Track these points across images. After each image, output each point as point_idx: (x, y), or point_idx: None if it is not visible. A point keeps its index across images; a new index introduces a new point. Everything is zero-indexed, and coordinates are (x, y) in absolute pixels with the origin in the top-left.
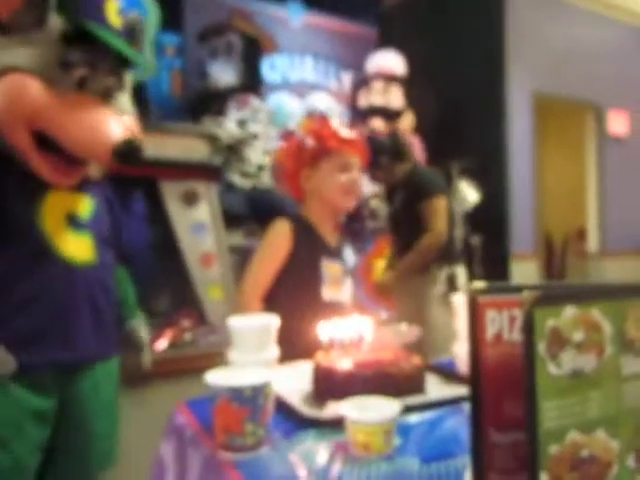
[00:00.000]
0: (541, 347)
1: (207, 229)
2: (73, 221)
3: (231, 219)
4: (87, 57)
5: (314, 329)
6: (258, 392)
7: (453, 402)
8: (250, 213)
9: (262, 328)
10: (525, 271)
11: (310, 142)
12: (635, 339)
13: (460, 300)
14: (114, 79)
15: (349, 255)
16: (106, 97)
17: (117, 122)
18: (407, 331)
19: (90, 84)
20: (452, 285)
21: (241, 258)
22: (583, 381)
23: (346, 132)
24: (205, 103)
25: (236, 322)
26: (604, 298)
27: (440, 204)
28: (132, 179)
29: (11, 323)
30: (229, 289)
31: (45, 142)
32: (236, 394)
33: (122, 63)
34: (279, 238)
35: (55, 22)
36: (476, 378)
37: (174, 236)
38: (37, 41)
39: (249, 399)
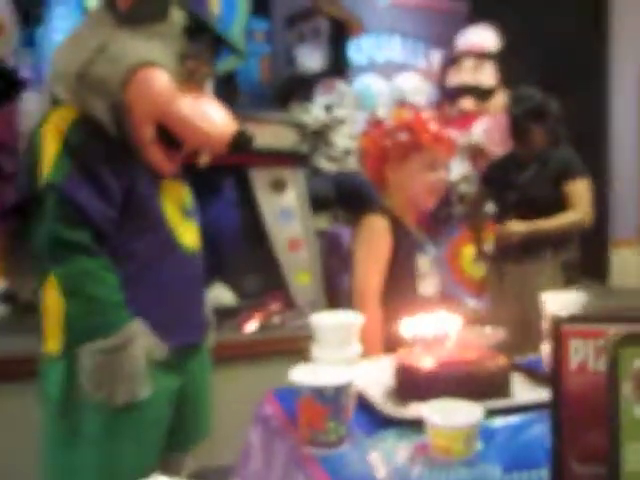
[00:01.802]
0: (626, 388)
1: (294, 215)
2: (184, 210)
3: (317, 203)
4: (199, 49)
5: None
6: (340, 392)
7: (539, 407)
8: (336, 197)
9: (344, 325)
10: (627, 259)
11: (403, 135)
12: None
13: (548, 299)
14: (212, 68)
15: (431, 247)
16: (202, 85)
17: (225, 112)
18: (491, 334)
19: (196, 74)
20: (570, 275)
21: (326, 242)
22: None
23: (438, 128)
24: (292, 89)
25: (319, 319)
26: None
27: (587, 186)
28: (223, 167)
29: (148, 313)
30: (316, 274)
31: (158, 132)
32: (319, 393)
33: (217, 52)
34: (381, 238)
35: (175, 15)
36: (558, 407)
37: (263, 222)
38: (162, 34)
39: (331, 398)
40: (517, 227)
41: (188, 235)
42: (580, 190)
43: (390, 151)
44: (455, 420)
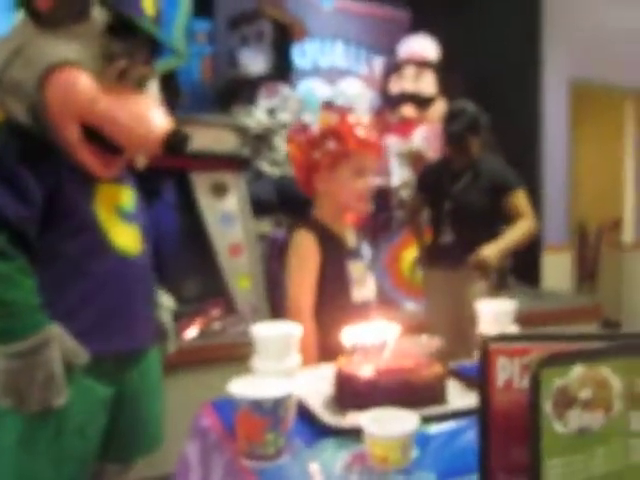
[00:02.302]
0: (547, 406)
1: (236, 219)
2: (121, 213)
3: (259, 207)
4: (128, 48)
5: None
6: (279, 404)
7: (473, 413)
8: (279, 201)
9: (284, 336)
10: (557, 263)
11: (331, 144)
12: None
13: (484, 308)
14: (149, 68)
15: (366, 250)
16: (141, 86)
17: (160, 112)
18: (428, 342)
19: (129, 74)
20: (503, 280)
21: (267, 247)
22: (589, 438)
23: (365, 131)
24: (235, 91)
25: (259, 330)
26: (614, 355)
27: (526, 195)
28: (163, 170)
29: (76, 316)
30: (258, 279)
31: (90, 134)
32: (257, 405)
33: (155, 52)
34: (309, 252)
35: (97, 15)
36: (485, 423)
37: (203, 226)
38: (82, 34)
39: (270, 410)
40: (491, 252)
41: (126, 238)
42: (522, 201)
43: (318, 161)
44: (392, 430)
